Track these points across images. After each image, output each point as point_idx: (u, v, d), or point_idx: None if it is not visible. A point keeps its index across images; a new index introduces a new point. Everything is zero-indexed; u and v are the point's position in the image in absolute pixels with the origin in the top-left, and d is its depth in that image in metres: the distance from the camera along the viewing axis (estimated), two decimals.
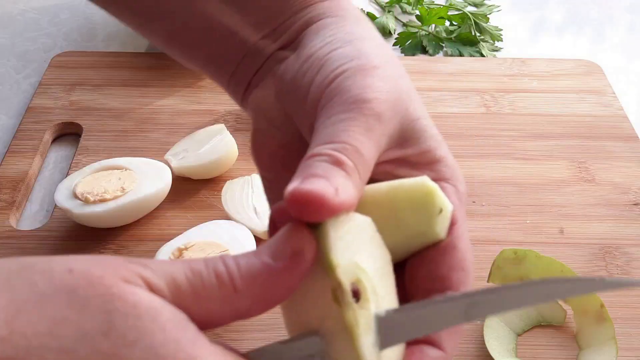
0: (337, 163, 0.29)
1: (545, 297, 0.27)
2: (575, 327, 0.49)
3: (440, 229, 0.32)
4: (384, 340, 0.29)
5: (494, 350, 0.47)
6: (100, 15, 0.84)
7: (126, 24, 0.43)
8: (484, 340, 0.47)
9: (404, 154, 0.34)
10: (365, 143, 0.31)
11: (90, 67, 0.73)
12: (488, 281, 0.51)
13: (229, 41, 0.39)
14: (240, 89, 0.40)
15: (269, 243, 0.28)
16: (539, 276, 0.50)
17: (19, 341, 0.23)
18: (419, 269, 0.33)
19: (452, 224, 0.33)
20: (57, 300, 0.24)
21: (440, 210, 0.32)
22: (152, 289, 0.26)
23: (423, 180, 0.31)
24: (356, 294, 0.28)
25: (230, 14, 0.39)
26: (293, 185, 0.28)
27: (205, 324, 0.27)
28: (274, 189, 0.38)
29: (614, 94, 0.71)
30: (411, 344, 0.31)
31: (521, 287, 0.27)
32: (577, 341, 0.49)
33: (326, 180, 0.28)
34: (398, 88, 0.34)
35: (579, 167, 0.63)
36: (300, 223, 0.28)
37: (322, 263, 0.28)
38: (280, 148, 0.37)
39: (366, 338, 0.28)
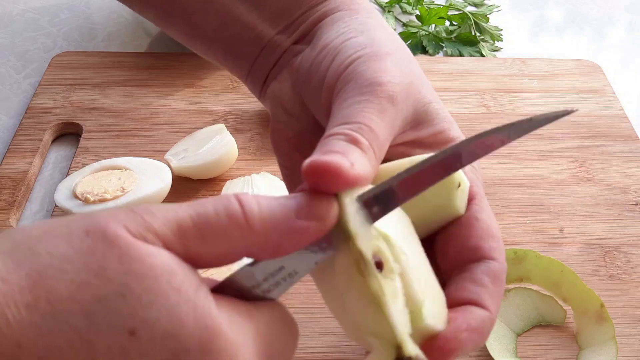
0: (353, 141, 0.31)
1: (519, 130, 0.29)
2: (575, 327, 0.49)
3: (459, 203, 0.33)
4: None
5: (494, 350, 0.47)
6: (100, 15, 0.84)
7: (148, 19, 0.45)
8: None
9: (419, 136, 0.36)
10: (380, 124, 0.32)
11: (90, 67, 0.73)
12: None
13: (246, 36, 0.41)
14: (259, 83, 0.42)
15: (295, 198, 0.29)
16: (539, 276, 0.50)
17: (44, 307, 0.24)
18: (449, 245, 0.34)
19: (471, 200, 0.35)
20: (76, 265, 0.25)
21: (459, 185, 0.33)
22: (163, 242, 0.27)
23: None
24: (379, 265, 0.29)
25: (247, 10, 0.41)
26: (311, 158, 0.29)
27: (215, 262, 0.28)
28: (292, 177, 0.40)
29: (614, 94, 0.71)
30: (455, 305, 0.32)
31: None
32: (577, 341, 0.49)
33: (343, 155, 0.29)
34: (410, 73, 0.36)
35: (579, 167, 0.63)
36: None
37: (342, 235, 0.29)
38: (298, 137, 0.39)
39: (394, 306, 0.28)
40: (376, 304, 0.28)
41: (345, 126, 0.32)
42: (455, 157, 0.30)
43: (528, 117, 0.32)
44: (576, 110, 0.30)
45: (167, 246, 0.27)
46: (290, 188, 0.41)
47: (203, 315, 0.26)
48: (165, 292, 0.26)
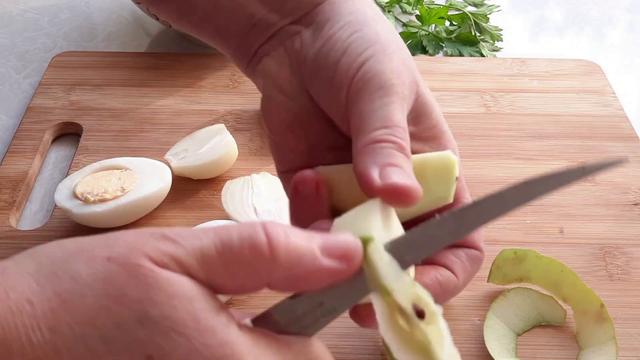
0: (401, 149, 0.34)
1: (525, 198, 0.29)
2: (575, 327, 0.49)
3: (453, 193, 0.37)
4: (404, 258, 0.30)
5: (494, 350, 0.47)
6: (100, 15, 0.84)
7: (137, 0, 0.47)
8: (484, 340, 0.47)
9: (416, 130, 0.39)
10: (405, 122, 0.36)
11: (90, 67, 0.73)
12: (488, 281, 0.51)
13: (236, 14, 0.42)
14: (246, 56, 0.43)
15: (324, 237, 0.29)
16: (539, 276, 0.50)
17: (66, 331, 0.25)
18: None
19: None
20: (97, 290, 0.26)
21: (456, 178, 0.37)
22: (185, 270, 0.27)
23: (448, 154, 0.37)
24: (420, 314, 0.29)
25: None
26: (385, 179, 0.33)
27: (238, 291, 0.29)
28: (280, 149, 0.43)
29: (614, 94, 0.71)
30: (450, 247, 0.37)
31: (500, 195, 0.29)
32: (577, 341, 0.49)
33: (401, 169, 0.33)
34: (411, 70, 0.39)
35: None
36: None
37: (379, 288, 0.29)
38: (292, 117, 0.41)
39: (443, 351, 0.28)
40: (424, 352, 0.28)
41: (387, 130, 0.35)
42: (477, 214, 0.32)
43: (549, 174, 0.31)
44: (625, 160, 0.31)
45: (190, 273, 0.27)
46: (278, 159, 0.43)
47: (222, 342, 0.27)
48: (183, 319, 0.26)
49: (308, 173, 0.36)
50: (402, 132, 0.35)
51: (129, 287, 0.26)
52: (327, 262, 0.28)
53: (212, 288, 0.28)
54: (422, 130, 0.39)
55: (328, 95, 0.39)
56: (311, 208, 0.37)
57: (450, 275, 0.38)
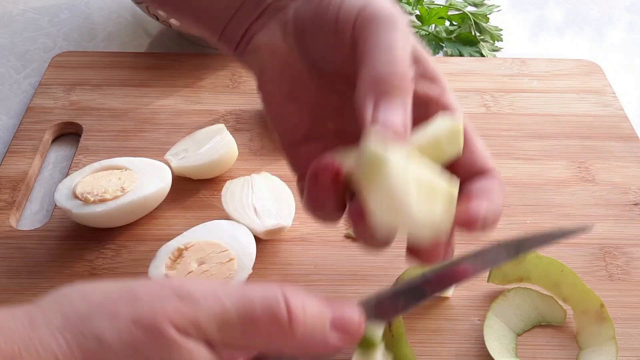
0: (403, 84, 0.36)
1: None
2: (575, 327, 0.49)
3: (461, 147, 0.39)
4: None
5: (494, 350, 0.47)
6: (100, 15, 0.84)
7: None
8: (484, 340, 0.47)
9: (418, 71, 0.39)
10: (408, 56, 0.37)
11: (90, 67, 0.73)
12: (488, 281, 0.51)
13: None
14: (235, 39, 0.43)
15: (331, 307, 0.32)
16: (539, 276, 0.50)
17: None
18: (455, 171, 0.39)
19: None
20: (120, 355, 0.28)
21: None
22: (204, 336, 0.29)
23: (454, 120, 0.38)
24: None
25: None
26: (377, 114, 0.34)
27: (249, 350, 0.30)
28: (281, 122, 0.42)
29: (614, 94, 0.71)
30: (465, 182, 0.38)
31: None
32: (577, 341, 0.49)
33: (396, 107, 0.35)
34: (406, 18, 0.40)
35: (579, 167, 0.63)
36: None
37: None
38: (287, 83, 0.41)
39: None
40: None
41: (390, 66, 0.36)
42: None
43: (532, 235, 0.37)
44: (590, 227, 0.35)
45: (208, 339, 0.29)
46: (278, 130, 0.43)
47: None
48: None
49: (327, 162, 0.36)
50: (405, 66, 0.36)
51: (150, 354, 0.28)
52: (335, 340, 0.31)
53: (227, 345, 0.29)
54: (423, 72, 0.39)
55: (332, 45, 0.39)
56: (328, 193, 0.37)
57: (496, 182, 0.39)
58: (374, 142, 0.32)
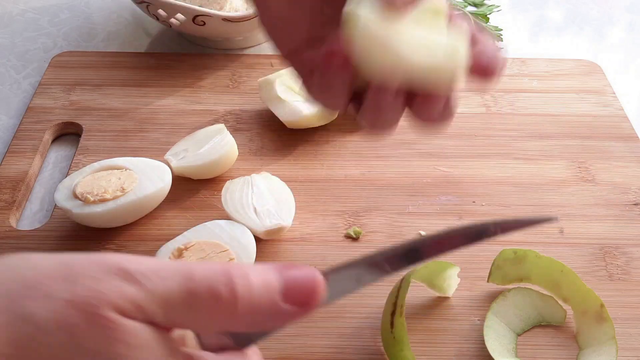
0: None
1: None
2: (575, 327, 0.49)
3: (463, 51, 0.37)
4: None
5: (494, 350, 0.47)
6: (100, 15, 0.84)
7: None
8: (484, 340, 0.47)
9: None
10: None
11: (90, 67, 0.73)
12: (488, 281, 0.51)
13: None
14: None
15: (283, 276, 0.29)
16: (539, 276, 0.50)
17: None
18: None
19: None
20: (54, 339, 0.26)
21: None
22: (146, 317, 0.27)
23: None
24: None
25: None
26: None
27: (195, 329, 0.29)
28: (282, 29, 0.42)
29: (614, 94, 0.71)
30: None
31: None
32: (577, 341, 0.49)
33: None
34: None
35: (579, 167, 0.63)
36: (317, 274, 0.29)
37: None
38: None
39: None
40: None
41: None
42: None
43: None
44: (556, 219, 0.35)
45: (151, 319, 0.27)
46: (280, 41, 0.42)
47: None
48: None
49: (339, 45, 0.36)
50: None
51: (88, 338, 0.26)
52: (286, 307, 0.28)
53: (170, 324, 0.28)
54: None
55: None
56: (337, 78, 0.37)
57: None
58: (352, 5, 0.35)
